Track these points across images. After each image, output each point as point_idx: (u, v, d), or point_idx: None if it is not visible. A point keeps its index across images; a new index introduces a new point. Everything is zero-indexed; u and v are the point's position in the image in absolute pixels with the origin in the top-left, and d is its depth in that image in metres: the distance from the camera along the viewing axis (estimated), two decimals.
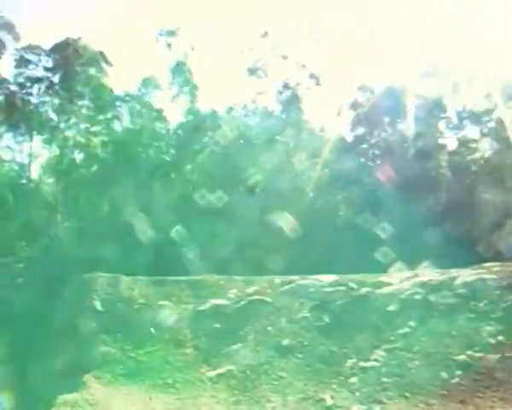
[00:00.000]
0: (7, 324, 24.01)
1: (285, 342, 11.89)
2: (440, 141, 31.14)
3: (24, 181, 35.35)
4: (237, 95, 33.16)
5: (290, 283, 13.91)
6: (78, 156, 34.65)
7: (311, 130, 33.11)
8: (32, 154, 35.30)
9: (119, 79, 40.84)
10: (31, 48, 34.62)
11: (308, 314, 12.62)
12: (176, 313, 13.39)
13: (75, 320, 13.66)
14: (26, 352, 20.91)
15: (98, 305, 13.77)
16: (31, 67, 34.67)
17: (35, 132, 35.19)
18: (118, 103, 35.39)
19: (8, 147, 36.48)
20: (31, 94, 34.88)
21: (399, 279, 13.16)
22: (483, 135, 30.90)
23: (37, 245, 26.62)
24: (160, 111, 34.13)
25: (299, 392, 10.35)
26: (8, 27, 34.40)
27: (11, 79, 34.52)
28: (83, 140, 33.50)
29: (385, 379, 10.08)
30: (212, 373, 11.47)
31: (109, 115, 35.00)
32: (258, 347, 11.95)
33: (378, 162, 30.64)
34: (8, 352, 23.12)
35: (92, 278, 14.80)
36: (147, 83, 34.54)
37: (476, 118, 31.07)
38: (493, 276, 12.98)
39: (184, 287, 14.28)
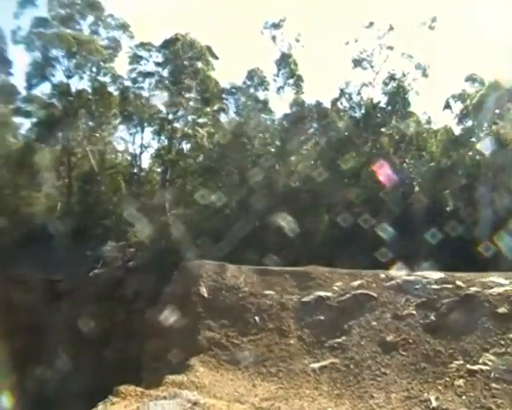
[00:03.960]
0: (118, 303, 25.60)
1: (389, 338, 11.54)
2: None
3: (135, 170, 37.21)
4: (342, 86, 32.63)
5: (395, 278, 13.47)
6: (186, 147, 35.89)
7: (418, 122, 32.01)
8: (143, 144, 37.08)
9: (225, 72, 41.79)
10: (143, 45, 36.28)
11: (414, 311, 12.13)
12: (280, 303, 13.44)
13: (181, 304, 14.05)
14: (133, 329, 22.16)
15: (204, 291, 14.11)
16: (142, 62, 36.41)
17: (146, 124, 36.91)
18: (224, 96, 36.21)
19: (122, 138, 38.68)
20: (142, 88, 36.68)
21: (511, 280, 12.34)
22: None
23: (146, 231, 27.84)
24: (265, 102, 34.47)
25: (402, 390, 9.99)
26: (123, 27, 36.32)
27: (125, 75, 36.44)
28: (190, 131, 34.68)
29: (494, 385, 9.49)
30: (315, 365, 11.36)
31: (216, 107, 35.97)
32: (362, 341, 11.70)
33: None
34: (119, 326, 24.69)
35: (199, 264, 15.17)
36: (252, 75, 34.96)
37: None
38: None
39: (289, 277, 14.27)
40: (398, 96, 31.05)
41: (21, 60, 42.75)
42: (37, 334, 26.20)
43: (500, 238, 20.81)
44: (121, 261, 27.90)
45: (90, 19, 36.48)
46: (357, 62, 32.17)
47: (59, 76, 35.70)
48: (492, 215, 23.50)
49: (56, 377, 24.36)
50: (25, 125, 38.52)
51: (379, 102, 31.85)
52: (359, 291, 13.16)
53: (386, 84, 31.73)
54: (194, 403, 9.02)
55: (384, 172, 26.87)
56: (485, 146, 27.67)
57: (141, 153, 37.72)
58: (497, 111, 29.29)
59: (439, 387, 9.84)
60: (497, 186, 24.85)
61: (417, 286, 12.88)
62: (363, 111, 32.06)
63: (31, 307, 26.86)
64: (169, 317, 14.07)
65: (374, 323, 12.11)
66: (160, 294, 16.12)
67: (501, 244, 20.28)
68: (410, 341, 11.31)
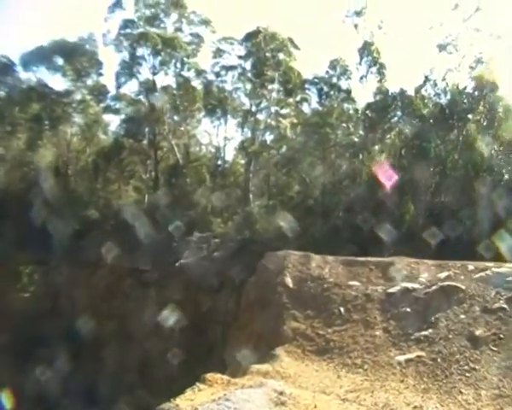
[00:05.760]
0: (204, 292, 26.19)
1: (479, 332, 10.99)
2: None
3: (219, 162, 37.84)
4: (426, 73, 31.46)
5: (485, 269, 12.83)
6: (269, 138, 36.02)
7: (507, 107, 30.33)
8: (226, 137, 37.63)
9: (307, 63, 41.54)
10: (225, 39, 36.76)
11: (505, 305, 11.48)
12: (365, 294, 13.18)
13: (266, 294, 14.11)
14: (219, 317, 22.60)
15: (289, 282, 14.09)
16: (225, 56, 36.89)
17: (229, 117, 37.42)
18: (306, 86, 36.00)
19: (206, 131, 39.44)
20: (225, 81, 37.18)
21: None
22: None
23: (231, 222, 28.25)
24: (348, 92, 33.94)
25: (493, 388, 9.48)
26: (206, 23, 36.98)
27: (208, 70, 37.11)
28: (273, 122, 34.78)
29: None
30: (401, 357, 11.04)
31: (298, 98, 35.86)
32: (449, 335, 11.24)
33: None
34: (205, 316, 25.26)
35: (284, 255, 15.15)
36: (334, 64, 34.52)
37: None
38: None
39: (374, 268, 13.95)
40: (485, 80, 29.54)
41: (111, 60, 44.34)
42: (127, 321, 27.39)
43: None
44: (206, 252, 28.44)
45: (174, 17, 37.52)
46: (442, 47, 30.82)
47: (145, 74, 36.99)
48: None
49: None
50: (114, 121, 40.30)
51: (465, 88, 30.46)
52: (446, 283, 12.64)
53: (472, 68, 30.29)
54: (280, 393, 8.99)
55: None
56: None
57: (224, 145, 38.34)
58: None
59: None
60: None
61: (508, 279, 12.22)
62: (448, 97, 30.76)
63: (121, 295, 28.10)
64: (253, 306, 14.20)
65: (462, 316, 11.60)
66: (245, 284, 16.27)
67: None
68: (501, 336, 10.74)
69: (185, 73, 37.55)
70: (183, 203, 33.41)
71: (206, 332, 24.82)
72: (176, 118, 38.37)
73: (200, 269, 26.81)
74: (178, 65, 37.15)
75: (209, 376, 10.23)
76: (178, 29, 37.38)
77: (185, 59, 36.95)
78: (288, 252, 15.32)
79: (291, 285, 13.98)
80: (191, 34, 37.53)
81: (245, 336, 13.65)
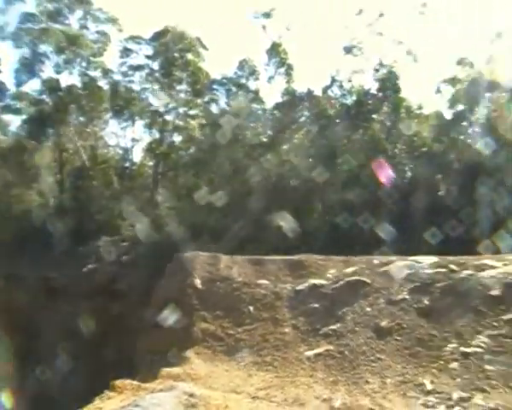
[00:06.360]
0: (112, 298, 25.60)
1: (384, 323, 11.51)
2: None
3: (127, 164, 37.13)
4: (333, 74, 32.59)
5: (389, 263, 13.46)
6: (177, 139, 35.82)
7: (409, 108, 32.08)
8: (134, 138, 36.98)
9: (216, 63, 41.70)
10: (132, 38, 36.15)
11: (407, 296, 12.10)
12: (274, 292, 13.41)
13: (175, 297, 14.01)
14: (128, 323, 22.14)
15: (198, 283, 14.07)
16: (132, 56, 36.27)
17: (137, 118, 36.81)
18: (215, 87, 36.11)
19: (113, 133, 38.52)
20: (133, 82, 36.56)
21: (504, 262, 12.34)
22: None
23: (139, 225, 27.79)
24: (256, 92, 34.39)
25: (397, 375, 9.98)
26: (112, 20, 36.15)
27: (115, 69, 36.30)
28: (181, 123, 34.60)
29: (488, 367, 9.49)
30: (310, 353, 11.34)
31: (207, 99, 35.88)
32: (356, 328, 11.69)
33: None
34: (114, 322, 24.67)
35: (192, 256, 15.11)
36: (243, 65, 34.86)
37: None
38: None
39: (282, 266, 14.23)
40: (388, 82, 31.08)
41: (9, 56, 42.16)
42: (33, 331, 26.24)
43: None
44: (115, 256, 27.86)
45: (79, 13, 36.30)
46: (348, 49, 32.17)
47: (48, 72, 35.61)
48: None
49: (55, 376, 24.43)
50: (15, 122, 38.26)
51: (370, 89, 31.86)
52: (353, 278, 13.13)
53: (376, 70, 31.76)
54: (191, 395, 8.98)
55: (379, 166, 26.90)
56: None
57: (132, 147, 37.60)
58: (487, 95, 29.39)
59: (434, 370, 9.85)
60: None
61: (411, 271, 12.87)
62: (354, 98, 32.07)
63: (27, 305, 26.89)
64: (163, 310, 14.05)
65: (368, 309, 12.10)
66: (155, 287, 16.07)
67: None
68: (405, 326, 11.30)
69: (91, 73, 36.52)
70: (90, 207, 32.51)
71: (117, 338, 24.27)
72: (82, 119, 37.19)
73: (109, 274, 26.24)
74: (84, 64, 36.05)
75: (118, 382, 10.07)
76: (84, 26, 36.18)
77: (91, 58, 35.90)
78: (197, 253, 15.30)
79: (200, 286, 13.97)
80: (97, 32, 36.49)
81: (155, 340, 13.47)
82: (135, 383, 10.19)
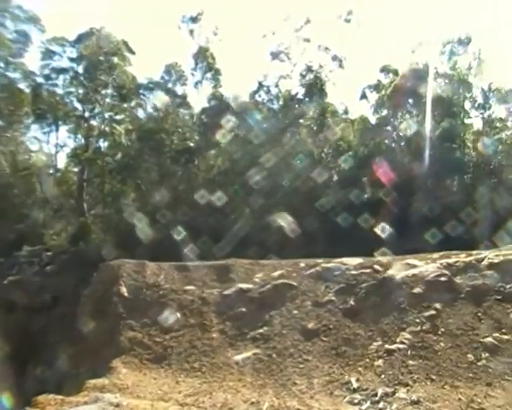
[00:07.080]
0: (36, 310, 24.61)
1: (310, 325, 11.77)
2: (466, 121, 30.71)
3: (51, 171, 35.92)
4: (260, 79, 32.93)
5: (315, 266, 13.76)
6: (103, 145, 35.03)
7: (335, 112, 32.90)
8: (58, 143, 35.81)
9: (142, 67, 41.12)
10: (56, 39, 34.99)
11: (333, 297, 12.44)
12: (201, 298, 13.39)
13: (101, 306, 13.74)
14: (53, 336, 21.39)
15: (125, 291, 13.83)
16: (56, 58, 35.11)
17: (61, 123, 35.70)
18: (141, 91, 35.61)
19: (36, 138, 37.13)
20: (56, 85, 35.38)
21: (425, 261, 12.89)
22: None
23: (64, 233, 27.03)
24: (183, 97, 34.19)
25: (324, 375, 10.23)
26: (34, 20, 34.77)
27: (37, 72, 35.01)
28: (107, 129, 33.87)
29: (411, 362, 9.92)
30: (238, 357, 11.41)
31: (133, 103, 35.30)
32: (283, 330, 11.86)
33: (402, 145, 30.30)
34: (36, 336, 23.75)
35: (118, 264, 14.84)
36: (169, 70, 34.59)
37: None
38: None
39: (209, 272, 14.26)
40: (315, 87, 31.74)
41: None
42: None
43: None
44: (38, 266, 26.86)
45: None
46: (275, 55, 32.67)
47: None
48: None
49: None
50: None
51: (296, 94, 32.41)
52: (280, 281, 13.33)
53: (303, 76, 32.35)
54: (117, 405, 8.87)
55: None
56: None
57: (56, 153, 36.55)
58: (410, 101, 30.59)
59: (360, 368, 10.15)
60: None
61: (336, 273, 13.20)
62: (281, 103, 32.52)
63: None
64: (89, 320, 13.72)
65: (295, 312, 12.30)
66: (81, 297, 15.67)
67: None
68: (331, 326, 11.57)
69: (10, 74, 34.97)
70: (12, 216, 31.21)
71: (39, 353, 23.34)
72: (0, 123, 35.61)
73: (32, 285, 25.25)
74: (2, 64, 34.49)
75: (41, 398, 9.77)
76: (1, 24, 34.61)
77: (10, 58, 34.38)
78: (123, 261, 15.06)
79: (126, 294, 13.75)
80: (16, 32, 34.90)
81: (81, 352, 13.14)
82: (58, 397, 9.88)
